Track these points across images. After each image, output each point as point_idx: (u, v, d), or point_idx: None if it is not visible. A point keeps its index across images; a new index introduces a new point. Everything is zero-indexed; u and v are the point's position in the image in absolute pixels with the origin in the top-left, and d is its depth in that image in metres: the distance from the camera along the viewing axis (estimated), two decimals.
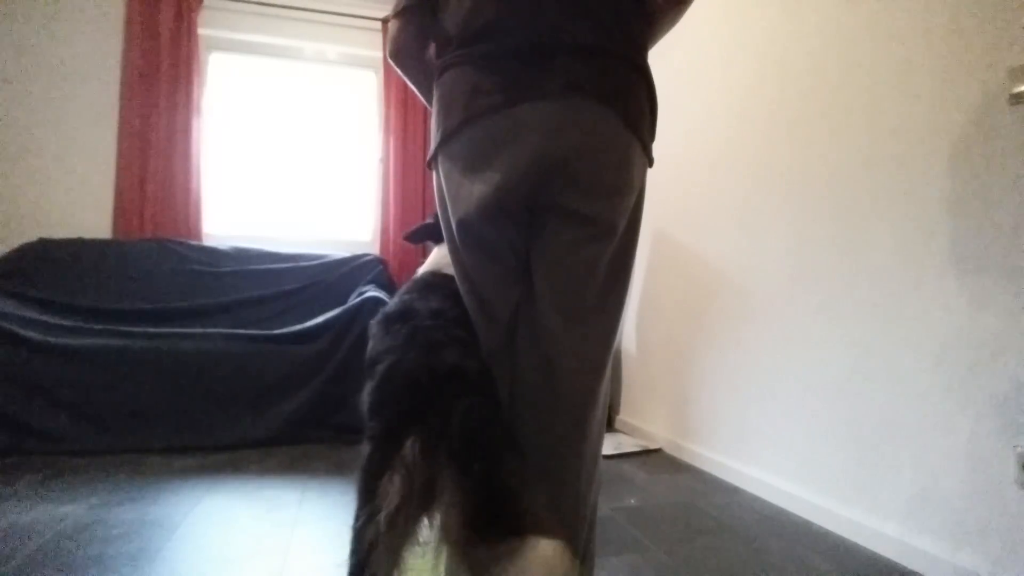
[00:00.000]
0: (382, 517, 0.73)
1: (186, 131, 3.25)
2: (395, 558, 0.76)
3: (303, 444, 2.47)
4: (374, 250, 3.56)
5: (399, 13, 1.07)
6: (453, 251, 1.07)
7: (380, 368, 0.89)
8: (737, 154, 2.21)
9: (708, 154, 2.39)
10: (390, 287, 3.12)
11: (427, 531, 0.78)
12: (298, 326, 2.69)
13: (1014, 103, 1.27)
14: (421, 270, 1.25)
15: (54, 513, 1.64)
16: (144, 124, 3.20)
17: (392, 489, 0.74)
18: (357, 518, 0.79)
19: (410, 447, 0.76)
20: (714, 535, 1.64)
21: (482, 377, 0.93)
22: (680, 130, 2.59)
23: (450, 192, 1.01)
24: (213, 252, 3.18)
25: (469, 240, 1.02)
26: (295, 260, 3.24)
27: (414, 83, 1.18)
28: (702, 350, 2.36)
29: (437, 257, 1.24)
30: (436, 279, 1.16)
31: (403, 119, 3.60)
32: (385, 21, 3.59)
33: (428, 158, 1.06)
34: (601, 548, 1.52)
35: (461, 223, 1.01)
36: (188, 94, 3.26)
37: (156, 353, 2.42)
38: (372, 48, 3.63)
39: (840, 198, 1.73)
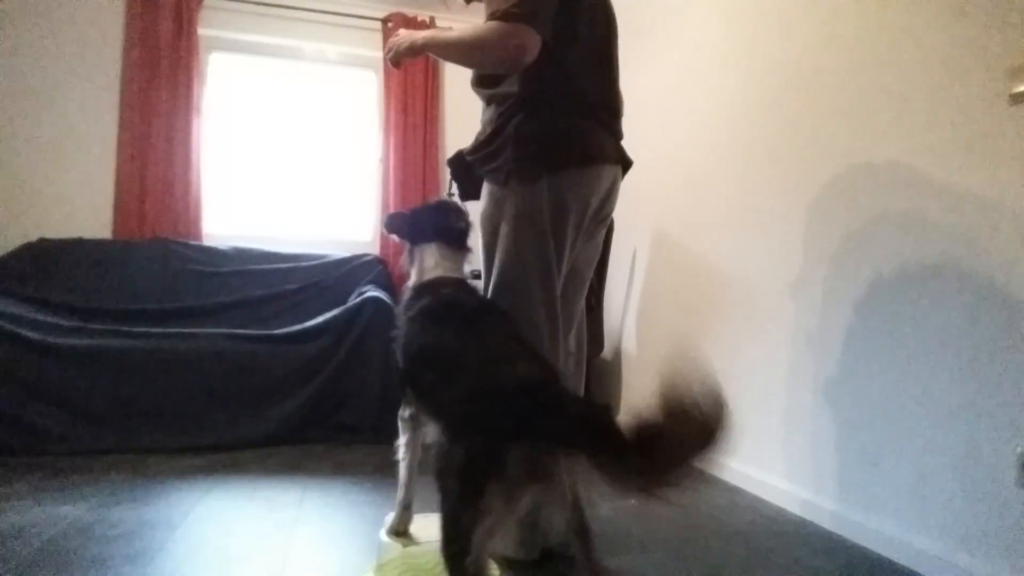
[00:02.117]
0: (479, 537, 0.80)
1: (186, 131, 3.25)
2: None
3: (303, 444, 2.47)
4: (374, 250, 3.56)
5: (541, 23, 1.18)
6: (537, 246, 1.31)
7: (465, 378, 0.93)
8: (737, 154, 2.21)
9: (708, 154, 2.39)
10: (390, 287, 3.12)
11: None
12: (298, 326, 2.69)
13: (1014, 103, 1.27)
14: (430, 274, 1.28)
15: (54, 513, 1.64)
16: (144, 124, 3.20)
17: (495, 505, 0.80)
18: (451, 537, 0.84)
19: (515, 462, 0.80)
20: (714, 535, 1.64)
21: (560, 379, 0.99)
22: (680, 130, 2.59)
23: (557, 207, 1.29)
24: (213, 252, 3.17)
25: (565, 245, 1.34)
26: (295, 260, 3.24)
27: (486, 70, 1.36)
28: (702, 350, 2.36)
29: (439, 261, 1.29)
30: (452, 280, 1.27)
31: (403, 119, 3.60)
32: (385, 21, 3.59)
33: (528, 172, 1.28)
34: (601, 549, 1.52)
35: (573, 229, 1.33)
36: (188, 94, 3.26)
37: (156, 353, 2.42)
38: (372, 48, 3.63)
39: (839, 198, 1.73)
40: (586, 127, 1.32)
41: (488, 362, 0.95)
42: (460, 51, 1.27)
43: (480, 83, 1.41)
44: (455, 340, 1.02)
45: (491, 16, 1.19)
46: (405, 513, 1.30)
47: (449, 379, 0.96)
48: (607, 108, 1.36)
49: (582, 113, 1.31)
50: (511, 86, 1.32)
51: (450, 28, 1.30)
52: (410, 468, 1.29)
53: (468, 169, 1.44)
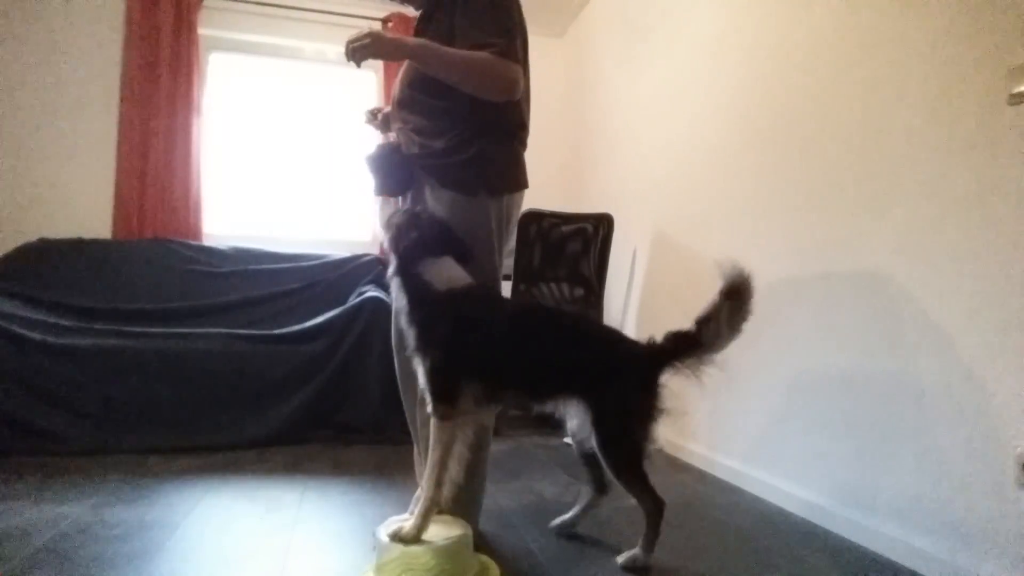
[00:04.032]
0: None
1: (186, 131, 3.25)
2: None
3: (303, 444, 2.47)
4: (374, 250, 3.56)
5: (523, 64, 1.41)
6: (497, 260, 1.51)
7: (611, 348, 1.43)
8: (737, 154, 2.21)
9: (708, 154, 2.39)
10: (389, 287, 3.11)
11: None
12: (298, 326, 2.69)
13: (1014, 103, 1.27)
14: (454, 284, 1.33)
15: (54, 513, 1.64)
16: (144, 124, 3.20)
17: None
18: (640, 451, 1.35)
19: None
20: (714, 535, 1.64)
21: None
22: (680, 130, 2.59)
23: (508, 221, 1.53)
24: (213, 252, 3.17)
25: (504, 251, 1.55)
26: (295, 260, 3.24)
27: (476, 94, 1.39)
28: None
29: (455, 273, 1.35)
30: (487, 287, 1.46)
31: None
32: (385, 21, 3.59)
33: (505, 189, 1.49)
34: (602, 549, 1.52)
35: (507, 238, 1.56)
36: (188, 94, 3.26)
37: (156, 353, 2.42)
38: None
39: (839, 198, 1.73)
40: (523, 157, 1.57)
41: (604, 335, 1.46)
42: (460, 71, 1.37)
43: (423, 89, 1.45)
44: (579, 328, 1.43)
45: (478, 46, 1.33)
46: (432, 513, 1.27)
47: (589, 353, 1.36)
48: (527, 139, 1.60)
49: (523, 144, 1.56)
50: (466, 107, 1.40)
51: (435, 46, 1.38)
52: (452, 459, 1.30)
53: (395, 166, 1.50)
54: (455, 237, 1.39)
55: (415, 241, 1.35)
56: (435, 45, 1.37)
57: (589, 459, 1.49)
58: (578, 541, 1.56)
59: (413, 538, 1.21)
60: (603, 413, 1.31)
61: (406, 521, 1.26)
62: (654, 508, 1.35)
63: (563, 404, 1.38)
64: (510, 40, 1.36)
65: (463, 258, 1.39)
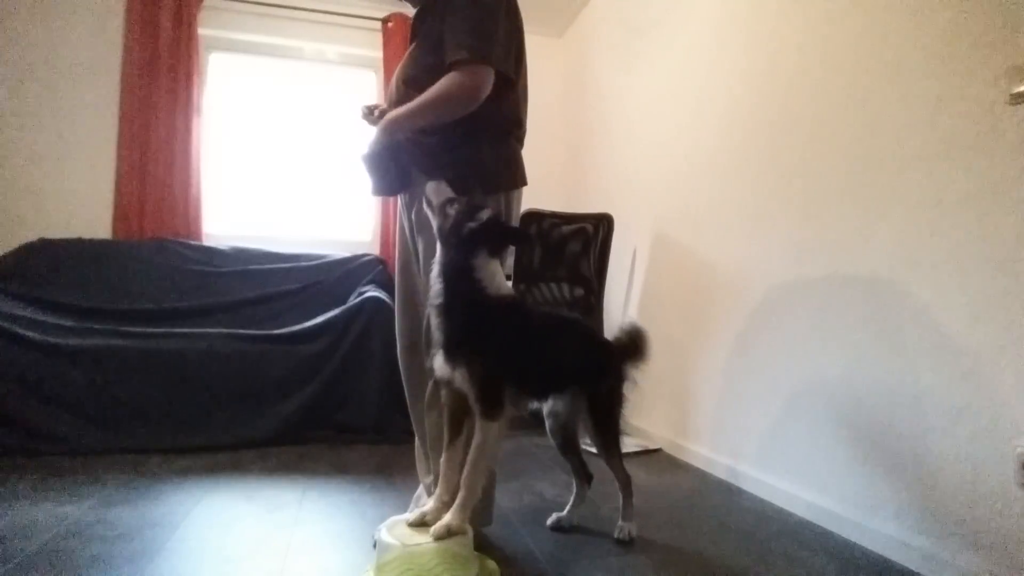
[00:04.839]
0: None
1: (186, 131, 3.25)
2: None
3: (303, 444, 2.47)
4: (374, 250, 3.56)
5: (496, 59, 1.37)
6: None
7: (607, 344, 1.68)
8: (737, 154, 2.21)
9: (707, 154, 2.39)
10: (390, 287, 3.11)
11: None
12: (298, 326, 2.69)
13: (1014, 103, 1.27)
14: (502, 290, 1.33)
15: (54, 513, 1.64)
16: (144, 124, 3.20)
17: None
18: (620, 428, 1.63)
19: None
20: (714, 535, 1.64)
21: None
22: (680, 129, 2.59)
23: (507, 220, 1.51)
24: (213, 252, 3.18)
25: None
26: (295, 260, 3.24)
27: (456, 118, 1.39)
28: (702, 350, 2.36)
29: (503, 278, 1.35)
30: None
31: None
32: (385, 21, 3.59)
33: (502, 187, 1.51)
34: (601, 548, 1.53)
35: None
36: (188, 94, 3.26)
37: (156, 353, 2.42)
38: (372, 48, 3.63)
39: (839, 199, 1.73)
40: (520, 154, 1.59)
41: (594, 337, 1.72)
42: (427, 112, 1.38)
43: (418, 87, 1.43)
44: (579, 331, 1.65)
45: (449, 60, 1.34)
46: (474, 504, 1.30)
47: (590, 353, 1.59)
48: (523, 137, 1.63)
49: (520, 141, 1.59)
50: None
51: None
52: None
53: (391, 165, 1.49)
54: (510, 230, 1.46)
55: (471, 234, 1.27)
56: (399, 110, 1.40)
57: (569, 449, 1.68)
58: (577, 541, 1.56)
59: (460, 530, 1.24)
60: (595, 402, 1.56)
61: (446, 515, 1.27)
62: (626, 479, 1.61)
63: (558, 398, 1.60)
64: (484, 40, 1.34)
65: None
